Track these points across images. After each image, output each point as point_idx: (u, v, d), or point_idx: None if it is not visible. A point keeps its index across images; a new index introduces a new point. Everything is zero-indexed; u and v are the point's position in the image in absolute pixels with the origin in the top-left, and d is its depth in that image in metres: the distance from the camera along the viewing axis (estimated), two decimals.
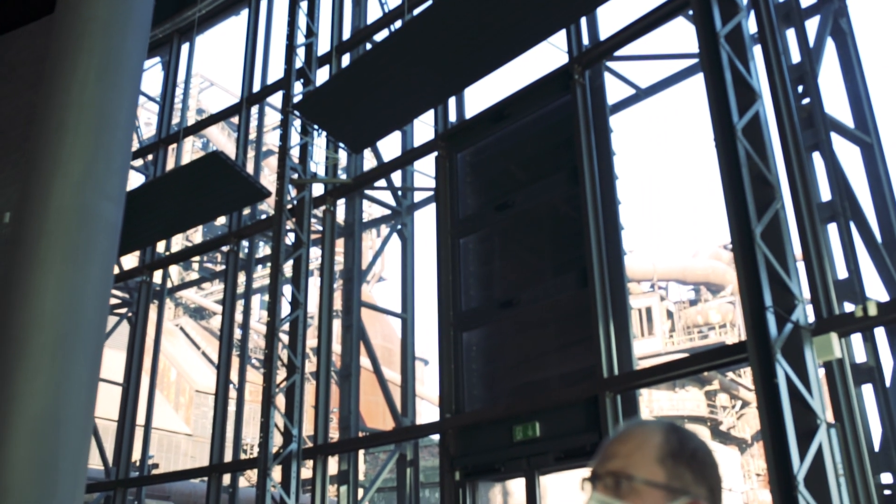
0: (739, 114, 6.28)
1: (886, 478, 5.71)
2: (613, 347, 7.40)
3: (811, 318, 5.88)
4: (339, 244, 11.97)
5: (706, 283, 58.36)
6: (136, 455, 13.50)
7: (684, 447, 1.27)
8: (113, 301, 15.31)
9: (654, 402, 44.17)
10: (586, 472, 1.32)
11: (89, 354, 3.29)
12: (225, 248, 13.17)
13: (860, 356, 6.02)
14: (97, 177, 3.42)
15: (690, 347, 49.92)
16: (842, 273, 6.26)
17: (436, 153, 10.12)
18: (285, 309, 10.62)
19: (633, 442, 1.30)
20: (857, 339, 6.14)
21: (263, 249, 19.66)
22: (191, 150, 44.73)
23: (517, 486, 15.09)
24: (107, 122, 3.48)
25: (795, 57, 6.78)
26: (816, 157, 6.69)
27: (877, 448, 5.74)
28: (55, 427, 3.08)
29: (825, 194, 6.49)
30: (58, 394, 3.10)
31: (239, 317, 13.58)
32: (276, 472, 10.01)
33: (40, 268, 3.21)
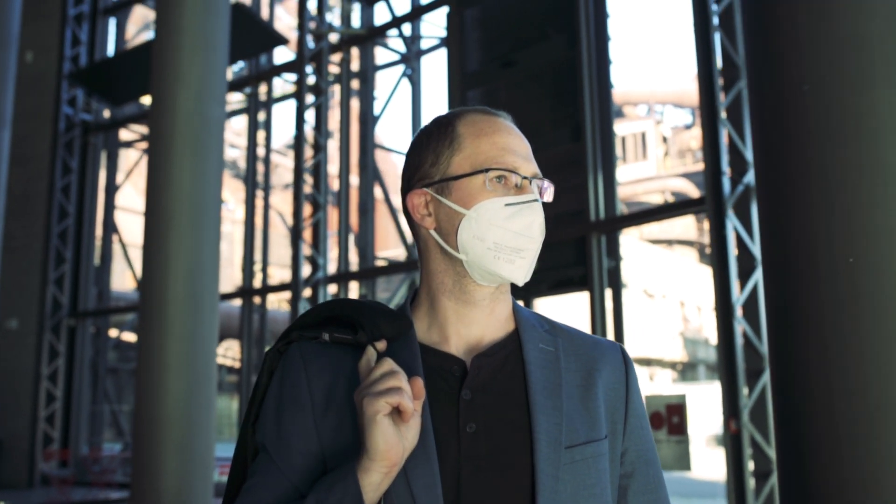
0: (717, 1, 7.26)
1: None
2: (601, 195, 8.68)
3: None
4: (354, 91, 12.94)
5: None
6: None
7: None
8: (132, 137, 16.48)
9: (644, 227, 45.92)
10: (517, 173, 1.19)
11: (215, 219, 4.56)
12: (247, 91, 14.13)
13: None
14: (208, 86, 4.53)
15: (683, 172, 51.18)
16: None
17: (446, 9, 10.92)
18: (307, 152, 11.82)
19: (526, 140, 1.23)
20: None
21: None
22: None
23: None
24: (211, 44, 4.55)
25: None
26: None
27: None
28: (200, 276, 4.42)
29: None
30: (197, 250, 4.40)
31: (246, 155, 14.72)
32: (306, 295, 11.59)
33: (177, 160, 4.41)
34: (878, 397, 1.49)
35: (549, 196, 1.23)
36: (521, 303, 1.24)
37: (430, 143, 1.21)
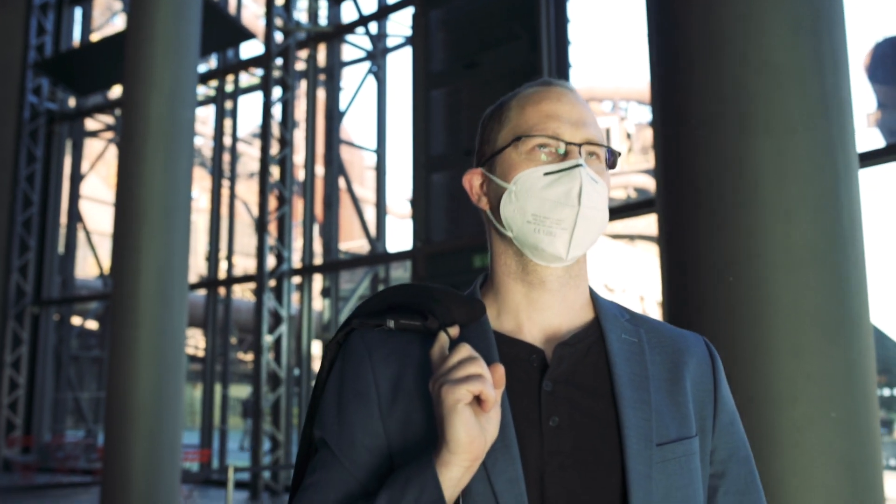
0: None
1: None
2: None
3: None
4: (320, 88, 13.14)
5: None
6: None
7: None
8: (97, 126, 16.50)
9: (608, 224, 46.40)
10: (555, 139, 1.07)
11: (185, 215, 4.80)
12: (213, 83, 14.25)
13: None
14: (179, 89, 4.76)
15: (646, 168, 51.87)
16: None
17: (412, 9, 11.17)
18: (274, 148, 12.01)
19: (587, 106, 1.11)
20: None
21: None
22: None
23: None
24: (184, 45, 4.77)
25: None
26: None
27: None
28: (170, 273, 4.66)
29: None
30: (168, 248, 4.63)
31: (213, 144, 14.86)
32: (271, 286, 11.79)
33: (148, 161, 4.63)
34: (749, 389, 1.81)
35: (611, 164, 1.11)
36: None
37: (485, 121, 1.17)
